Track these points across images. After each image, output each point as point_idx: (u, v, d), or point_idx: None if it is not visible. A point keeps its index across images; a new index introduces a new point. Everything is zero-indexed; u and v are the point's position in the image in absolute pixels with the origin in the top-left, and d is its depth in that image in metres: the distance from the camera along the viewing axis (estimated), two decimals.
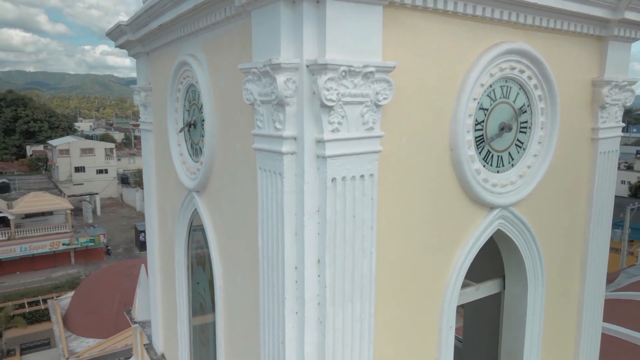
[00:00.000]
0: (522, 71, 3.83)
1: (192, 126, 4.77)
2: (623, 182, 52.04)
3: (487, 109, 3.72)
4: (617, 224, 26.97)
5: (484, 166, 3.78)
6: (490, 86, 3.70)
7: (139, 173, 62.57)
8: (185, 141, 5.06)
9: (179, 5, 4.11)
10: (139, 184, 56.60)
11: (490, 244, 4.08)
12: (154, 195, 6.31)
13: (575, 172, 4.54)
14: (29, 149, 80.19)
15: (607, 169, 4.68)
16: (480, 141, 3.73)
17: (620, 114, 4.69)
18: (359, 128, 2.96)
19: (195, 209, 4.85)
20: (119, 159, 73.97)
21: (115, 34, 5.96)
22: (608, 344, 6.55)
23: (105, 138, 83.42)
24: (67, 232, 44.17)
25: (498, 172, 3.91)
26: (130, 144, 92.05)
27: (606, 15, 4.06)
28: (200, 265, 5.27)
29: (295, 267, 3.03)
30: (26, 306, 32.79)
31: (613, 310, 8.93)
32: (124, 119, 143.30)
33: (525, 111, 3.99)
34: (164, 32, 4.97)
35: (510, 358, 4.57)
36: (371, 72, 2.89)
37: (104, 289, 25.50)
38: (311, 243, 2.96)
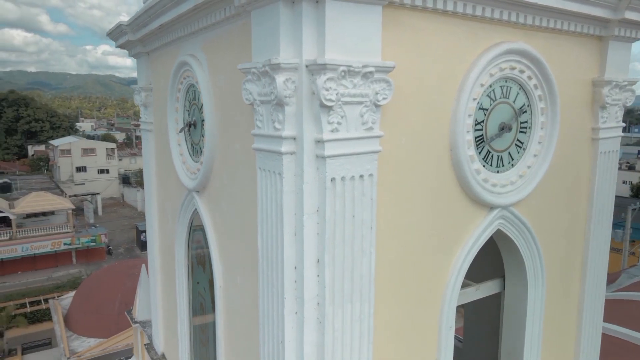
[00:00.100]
0: (522, 71, 3.82)
1: (192, 126, 4.77)
2: (624, 182, 51.95)
3: (487, 109, 3.72)
4: (618, 224, 26.89)
5: (483, 166, 3.78)
6: (490, 86, 3.69)
7: (140, 173, 62.54)
8: (186, 141, 5.06)
9: (179, 5, 4.11)
10: (140, 183, 56.63)
11: (490, 244, 4.08)
12: (154, 195, 6.32)
13: (576, 172, 4.54)
14: (31, 149, 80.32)
15: (607, 169, 4.68)
16: (480, 141, 3.72)
17: (620, 114, 4.68)
18: (358, 128, 2.96)
19: (196, 209, 4.86)
20: (120, 159, 74.06)
21: (116, 34, 5.97)
22: (609, 344, 6.55)
23: (106, 138, 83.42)
24: (68, 232, 44.22)
25: (498, 172, 3.91)
26: (131, 144, 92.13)
27: (606, 15, 4.05)
28: (200, 265, 5.28)
29: (295, 267, 3.03)
30: (27, 306, 32.86)
31: (614, 311, 8.92)
32: (125, 119, 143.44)
33: (525, 111, 3.98)
34: (164, 32, 4.98)
35: (510, 358, 4.56)
36: (370, 72, 2.89)
37: (105, 288, 25.53)
38: (310, 243, 2.96)
